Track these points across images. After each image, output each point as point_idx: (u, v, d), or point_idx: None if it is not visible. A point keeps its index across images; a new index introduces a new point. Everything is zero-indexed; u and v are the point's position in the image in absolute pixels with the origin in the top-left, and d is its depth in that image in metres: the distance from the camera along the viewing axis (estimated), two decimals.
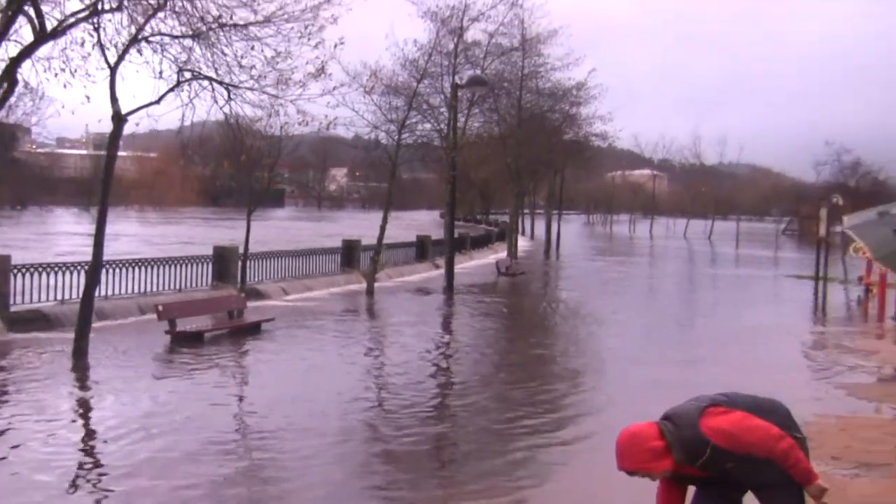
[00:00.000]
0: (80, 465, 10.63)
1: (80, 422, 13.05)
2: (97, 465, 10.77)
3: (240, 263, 28.48)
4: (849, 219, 15.77)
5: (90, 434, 12.33)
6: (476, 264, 47.85)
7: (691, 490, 5.55)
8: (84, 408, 13.86)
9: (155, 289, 25.14)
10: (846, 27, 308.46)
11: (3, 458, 10.54)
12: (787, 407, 5.44)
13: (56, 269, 22.52)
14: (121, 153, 18.73)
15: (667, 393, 15.37)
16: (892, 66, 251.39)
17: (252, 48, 17.89)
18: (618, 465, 5.21)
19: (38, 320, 20.65)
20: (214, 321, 21.82)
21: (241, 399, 15.18)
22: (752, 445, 4.98)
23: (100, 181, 21.46)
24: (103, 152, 23.63)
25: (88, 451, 11.46)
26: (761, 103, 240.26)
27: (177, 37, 17.69)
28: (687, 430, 5.06)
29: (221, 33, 17.57)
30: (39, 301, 21.57)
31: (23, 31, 15.67)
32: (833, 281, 41.18)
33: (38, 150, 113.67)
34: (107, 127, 18.03)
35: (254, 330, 21.60)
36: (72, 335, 17.66)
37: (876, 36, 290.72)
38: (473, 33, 40.32)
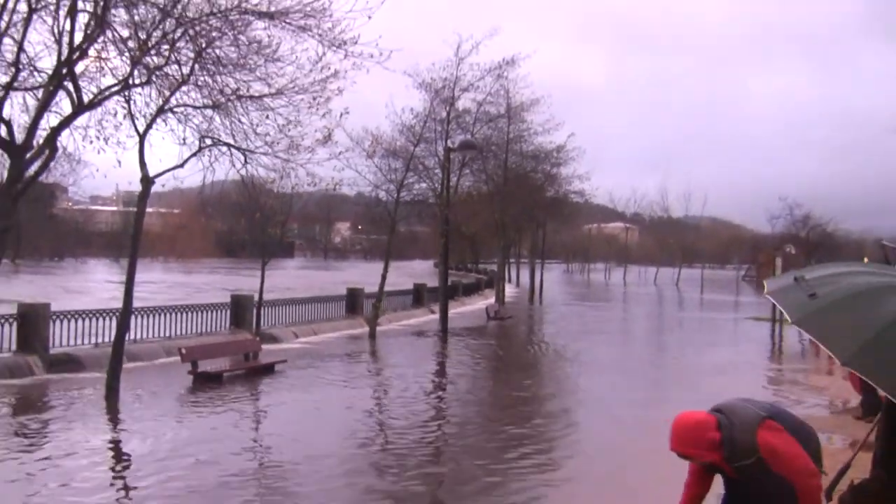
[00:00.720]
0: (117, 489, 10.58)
1: (114, 454, 12.97)
2: (127, 490, 10.73)
3: (254, 310, 28.47)
4: (769, 283, 15.72)
5: (124, 466, 12.26)
6: (468, 309, 47.75)
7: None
8: (116, 443, 13.78)
9: (178, 333, 25.06)
10: (797, 94, 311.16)
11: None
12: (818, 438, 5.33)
13: (90, 315, 22.49)
14: (147, 209, 18.73)
15: (641, 430, 15.45)
16: (838, 129, 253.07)
17: (266, 117, 18.00)
18: (671, 446, 5.01)
19: (74, 362, 20.58)
20: (232, 362, 21.72)
21: (256, 435, 15.08)
22: (790, 471, 4.85)
23: (129, 235, 21.54)
24: (132, 209, 23.69)
25: (122, 478, 11.41)
26: (721, 162, 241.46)
27: (199, 107, 17.81)
28: (742, 434, 4.90)
29: (239, 104, 17.69)
30: (75, 344, 21.52)
31: (62, 104, 15.78)
32: (788, 323, 41.03)
33: (74, 207, 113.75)
34: (136, 187, 18.15)
35: (268, 370, 21.49)
36: (104, 375, 17.63)
37: (824, 101, 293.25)
38: (464, 102, 40.52)
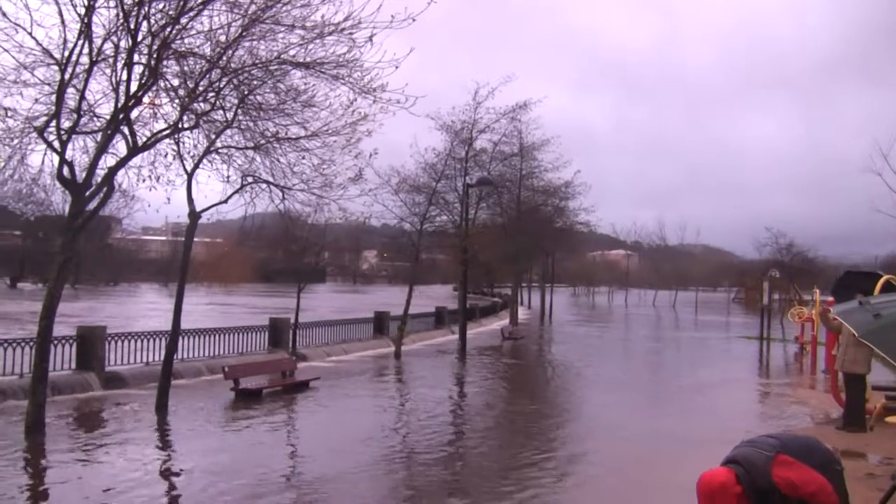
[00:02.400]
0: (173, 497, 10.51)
1: (167, 464, 12.91)
2: (174, 497, 10.67)
3: (290, 331, 28.44)
4: (835, 308, 15.72)
5: (176, 474, 12.18)
6: (485, 330, 47.59)
7: None
8: (168, 453, 13.73)
9: (220, 352, 25.03)
10: (780, 134, 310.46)
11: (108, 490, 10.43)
12: (825, 445, 5.24)
13: (142, 337, 22.48)
14: (194, 239, 18.76)
15: (641, 440, 15.31)
16: (817, 167, 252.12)
17: (302, 157, 17.98)
18: None
19: (127, 379, 20.56)
20: (270, 380, 21.65)
21: (294, 446, 15.02)
22: (809, 495, 4.76)
23: (177, 262, 21.52)
24: (180, 239, 23.73)
25: (173, 486, 11.35)
26: (713, 195, 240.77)
27: (241, 149, 17.83)
28: (760, 480, 4.80)
29: (278, 146, 17.68)
30: (129, 363, 21.50)
31: (119, 146, 15.84)
32: (774, 341, 40.81)
33: (128, 238, 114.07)
34: (184, 220, 18.16)
35: (303, 387, 21.41)
36: (155, 392, 17.60)
37: (804, 141, 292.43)
38: (481, 142, 40.64)
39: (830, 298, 20.30)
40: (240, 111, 16.87)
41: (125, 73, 14.58)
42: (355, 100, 16.81)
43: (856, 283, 18.21)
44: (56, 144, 14.59)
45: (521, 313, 63.00)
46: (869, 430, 16.15)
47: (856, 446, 14.79)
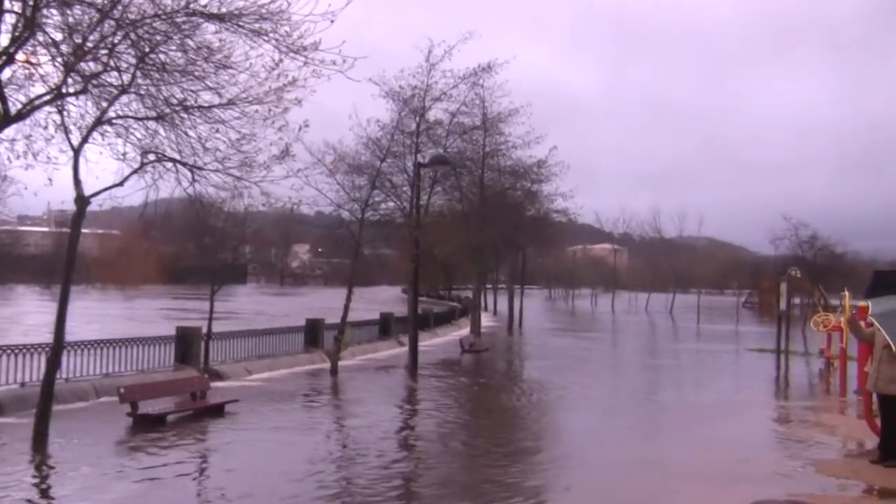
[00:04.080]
0: None
1: None
2: None
3: (202, 344, 28.26)
4: (873, 305, 15.67)
5: None
6: (440, 341, 47.72)
7: None
8: (48, 497, 13.54)
9: (116, 369, 24.78)
10: (808, 101, 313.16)
11: None
12: None
13: (16, 351, 22.12)
14: (82, 230, 18.54)
15: (635, 476, 15.42)
16: (851, 141, 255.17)
17: (216, 130, 17.84)
18: None
19: None
20: (177, 403, 21.51)
21: (202, 486, 14.88)
22: None
23: (61, 259, 21.26)
24: (65, 230, 23.46)
25: None
26: (721, 178, 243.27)
27: (141, 119, 17.65)
28: None
29: (186, 116, 17.54)
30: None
31: None
32: (794, 354, 41.27)
33: (0, 228, 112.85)
34: (69, 206, 17.92)
35: (217, 412, 21.29)
36: (31, 420, 17.34)
37: (838, 109, 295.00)
38: (435, 113, 40.51)
39: (862, 303, 20.37)
40: (139, 73, 16.71)
41: None
42: (281, 61, 16.75)
43: (891, 284, 18.10)
44: None
45: (485, 321, 63.20)
46: None
47: (895, 483, 14.88)
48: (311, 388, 27.41)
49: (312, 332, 35.35)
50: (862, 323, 18.20)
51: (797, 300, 65.01)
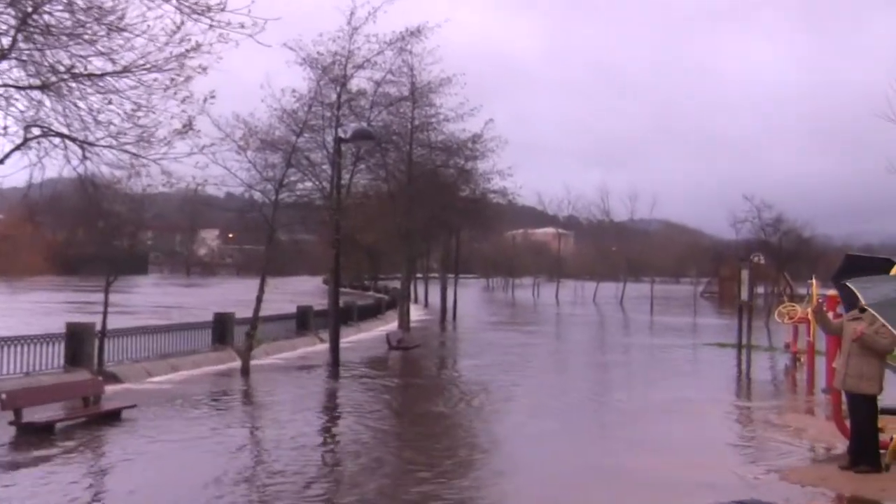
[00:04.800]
0: None
1: None
2: None
3: (96, 342, 27.97)
4: (862, 292, 15.53)
5: None
6: (364, 337, 47.73)
7: None
8: None
9: None
10: (769, 76, 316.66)
11: None
12: None
13: None
14: None
15: (586, 487, 15.58)
16: (820, 115, 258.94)
17: (109, 102, 17.74)
18: None
19: None
20: (67, 410, 21.32)
21: (98, 500, 14.78)
22: None
23: None
24: None
25: None
26: (677, 155, 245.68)
27: (23, 88, 17.48)
28: None
29: (75, 85, 17.40)
30: None
31: None
32: (757, 349, 41.74)
33: None
34: None
35: (113, 418, 21.09)
36: None
37: (799, 85, 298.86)
38: (358, 82, 40.50)
39: (831, 291, 20.59)
40: (20, 36, 16.54)
41: None
42: (183, 23, 16.70)
43: (861, 271, 18.00)
44: None
45: (416, 314, 63.35)
46: (884, 470, 15.96)
47: (868, 492, 15.05)
48: (220, 392, 27.26)
49: (221, 328, 35.16)
50: (830, 314, 18.47)
51: (761, 289, 65.76)
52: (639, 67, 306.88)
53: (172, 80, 17.83)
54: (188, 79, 18.06)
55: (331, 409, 25.19)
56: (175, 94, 18.23)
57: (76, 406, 21.63)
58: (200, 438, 19.97)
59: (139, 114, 18.00)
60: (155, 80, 17.70)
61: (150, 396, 24.93)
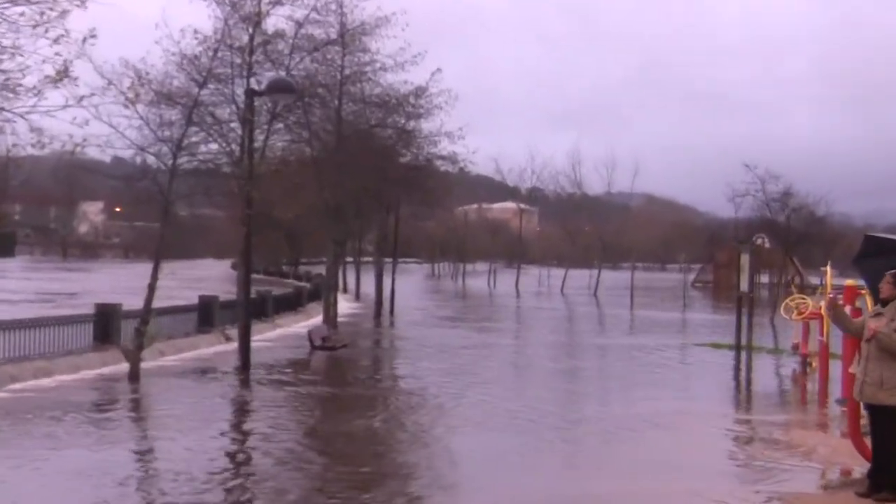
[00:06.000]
0: None
1: None
2: None
3: None
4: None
5: None
6: (282, 334, 47.79)
7: None
8: None
9: None
10: (775, 20, 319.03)
11: None
12: None
13: None
14: None
15: None
16: (834, 72, 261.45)
17: None
18: None
19: None
20: None
21: None
22: None
23: None
24: None
25: None
26: (665, 117, 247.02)
27: None
28: None
29: None
30: None
31: None
32: (760, 351, 42.03)
33: None
34: None
35: None
36: None
37: (812, 30, 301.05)
38: (275, 21, 40.27)
39: (849, 281, 20.57)
40: None
41: None
42: None
43: (885, 254, 17.69)
44: None
45: (345, 306, 63.52)
46: None
47: None
48: (102, 402, 27.02)
49: (105, 323, 34.80)
50: (848, 308, 18.44)
51: (764, 278, 66.06)
52: (618, 10, 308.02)
53: (43, 13, 17.62)
54: (63, 13, 17.87)
55: (239, 425, 25.01)
56: (46, 31, 18.02)
57: None
58: (73, 461, 19.47)
59: (2, 57, 17.81)
60: (22, 14, 17.50)
61: (14, 407, 24.42)
